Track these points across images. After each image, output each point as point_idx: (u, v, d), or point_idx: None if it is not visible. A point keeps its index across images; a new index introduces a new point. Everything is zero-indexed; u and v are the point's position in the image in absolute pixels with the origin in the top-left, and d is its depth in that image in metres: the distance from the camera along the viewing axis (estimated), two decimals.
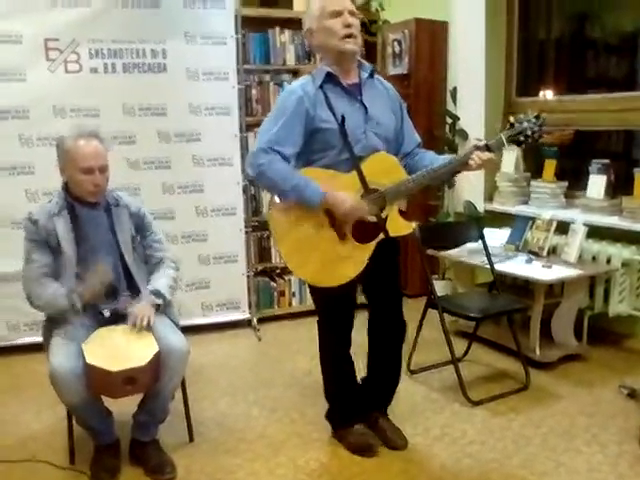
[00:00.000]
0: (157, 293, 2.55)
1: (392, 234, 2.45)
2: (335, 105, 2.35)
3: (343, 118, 2.33)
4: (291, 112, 2.32)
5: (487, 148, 2.39)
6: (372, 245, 2.42)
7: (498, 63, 4.55)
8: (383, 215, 2.42)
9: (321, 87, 2.36)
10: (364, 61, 2.51)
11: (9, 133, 3.60)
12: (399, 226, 2.47)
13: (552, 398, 3.13)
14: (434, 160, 2.50)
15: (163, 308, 2.57)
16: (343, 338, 2.62)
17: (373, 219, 2.41)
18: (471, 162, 2.36)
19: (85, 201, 2.50)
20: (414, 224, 2.53)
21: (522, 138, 2.38)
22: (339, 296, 2.47)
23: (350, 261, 2.40)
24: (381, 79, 2.57)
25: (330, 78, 2.38)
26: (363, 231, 2.40)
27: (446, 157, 2.55)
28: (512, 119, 2.42)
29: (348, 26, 2.32)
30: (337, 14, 2.32)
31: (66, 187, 2.52)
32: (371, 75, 2.48)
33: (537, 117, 2.38)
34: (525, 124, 2.37)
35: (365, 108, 2.41)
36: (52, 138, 3.50)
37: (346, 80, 2.41)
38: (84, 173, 2.42)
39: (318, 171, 2.36)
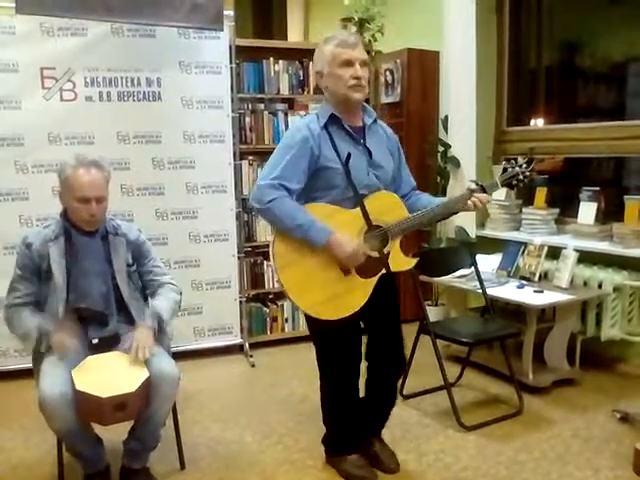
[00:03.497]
0: (156, 315, 2.53)
1: (393, 269, 2.48)
2: (339, 145, 2.40)
3: (347, 158, 2.38)
4: (297, 149, 2.35)
5: (482, 189, 2.51)
6: (374, 280, 2.45)
7: (489, 92, 4.63)
8: (385, 251, 2.45)
9: (325, 127, 2.41)
10: (368, 106, 2.57)
11: (5, 159, 3.63)
12: (400, 262, 2.51)
13: (545, 423, 3.13)
14: (430, 201, 2.59)
15: (158, 331, 2.55)
16: (350, 367, 2.59)
17: (376, 255, 2.44)
18: (470, 203, 2.47)
19: (82, 229, 2.51)
20: (414, 260, 2.56)
21: (514, 182, 2.56)
22: (341, 327, 2.45)
23: (353, 294, 2.41)
24: (382, 124, 2.63)
25: (334, 120, 2.43)
26: (366, 266, 2.42)
27: (442, 199, 2.65)
28: (505, 164, 2.61)
29: (357, 78, 2.37)
30: (348, 64, 2.36)
31: (64, 213, 2.53)
32: (374, 121, 2.54)
33: (528, 163, 2.56)
34: (517, 169, 2.56)
35: (369, 152, 2.47)
36: (47, 165, 3.59)
37: (350, 123, 2.46)
38: (80, 202, 2.43)
39: (323, 206, 2.39)
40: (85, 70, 3.73)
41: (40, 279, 2.50)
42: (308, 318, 2.50)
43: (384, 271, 2.46)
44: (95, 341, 2.53)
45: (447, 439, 2.98)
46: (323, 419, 2.72)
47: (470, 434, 3.01)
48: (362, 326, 2.61)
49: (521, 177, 2.54)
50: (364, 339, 2.65)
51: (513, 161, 2.59)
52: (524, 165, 2.55)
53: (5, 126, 3.61)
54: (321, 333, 2.56)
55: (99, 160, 2.50)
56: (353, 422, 2.67)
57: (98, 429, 2.47)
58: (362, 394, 2.74)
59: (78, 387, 2.24)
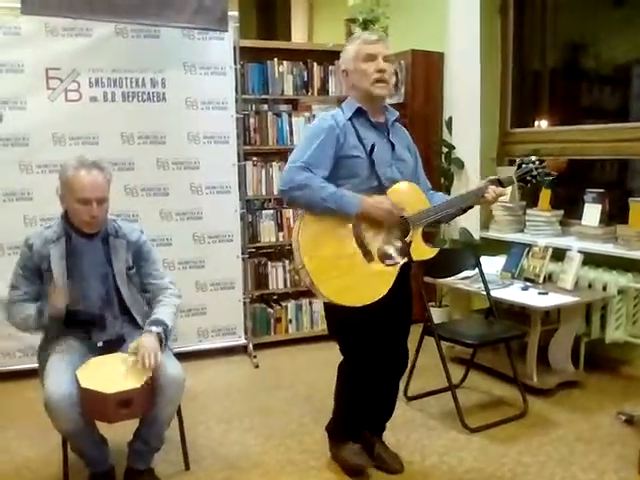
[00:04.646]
0: (160, 322, 2.51)
1: (415, 258, 2.50)
2: (364, 136, 2.45)
3: (372, 148, 2.42)
4: (324, 137, 2.40)
5: (499, 183, 2.55)
6: (396, 269, 2.46)
7: (493, 93, 4.62)
8: (407, 240, 2.48)
9: (350, 119, 2.46)
10: (390, 106, 2.61)
11: (9, 160, 3.63)
12: (422, 251, 2.53)
13: (550, 425, 3.12)
14: (446, 198, 2.65)
15: (165, 340, 2.51)
16: (374, 353, 2.56)
17: (399, 243, 2.46)
18: (487, 195, 2.51)
19: (82, 231, 2.51)
20: (436, 250, 2.59)
21: (529, 178, 2.59)
22: (363, 316, 2.42)
23: (375, 282, 2.42)
24: (401, 126, 2.67)
25: (360, 113, 2.48)
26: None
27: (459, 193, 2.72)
28: (519, 160, 2.64)
29: (380, 71, 2.41)
30: (371, 58, 2.42)
31: (66, 215, 2.53)
32: (396, 119, 2.59)
33: (541, 161, 2.59)
34: (531, 165, 2.59)
35: (392, 145, 2.52)
36: (51, 165, 3.59)
37: (374, 118, 2.51)
38: (81, 204, 2.42)
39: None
40: (90, 71, 3.74)
41: (40, 279, 2.50)
42: (328, 308, 2.52)
43: (406, 260, 2.48)
44: (100, 344, 2.54)
45: (451, 441, 2.98)
46: (336, 406, 2.71)
47: (474, 436, 3.01)
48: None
49: (535, 173, 2.57)
50: None
51: (526, 158, 2.63)
52: (537, 162, 2.58)
53: (10, 126, 3.61)
54: (342, 321, 2.54)
55: (100, 161, 2.50)
56: (361, 410, 2.68)
57: (103, 430, 2.47)
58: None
59: (83, 385, 2.25)
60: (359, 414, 2.69)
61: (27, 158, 3.66)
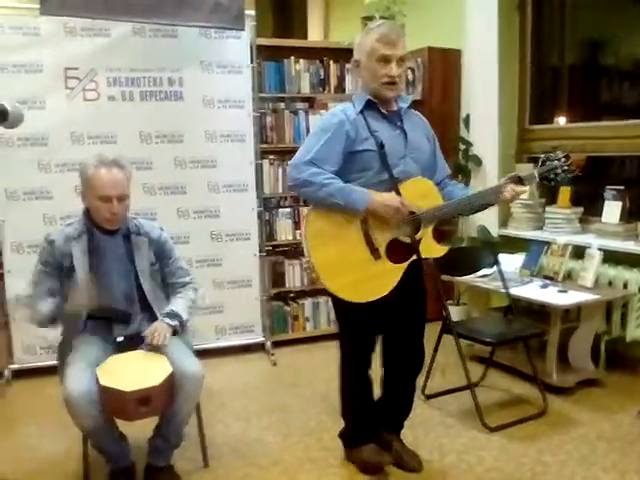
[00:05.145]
0: (174, 314, 2.56)
1: (424, 255, 2.47)
2: (375, 129, 2.42)
3: (383, 142, 2.39)
4: (332, 133, 2.38)
5: (520, 181, 2.46)
6: (404, 266, 2.44)
7: (511, 90, 4.58)
8: (417, 237, 2.45)
9: (361, 112, 2.43)
10: (404, 94, 2.57)
11: (28, 159, 3.66)
12: (432, 249, 2.50)
13: (570, 424, 3.09)
14: (465, 192, 2.58)
15: (180, 330, 2.58)
16: (363, 358, 2.60)
17: (407, 240, 2.44)
18: (506, 193, 2.42)
19: (104, 228, 2.53)
20: (445, 248, 2.55)
21: (552, 176, 2.47)
22: (363, 315, 2.46)
23: (381, 279, 2.41)
24: (416, 111, 2.63)
25: (370, 105, 2.44)
26: (396, 251, 2.43)
27: (477, 190, 2.63)
28: (544, 157, 2.51)
29: (391, 76, 2.37)
30: (385, 60, 2.36)
31: (87, 213, 2.55)
32: (409, 106, 2.55)
33: (566, 157, 2.47)
34: (555, 162, 2.46)
35: (405, 134, 2.48)
36: (70, 164, 3.62)
37: (385, 108, 2.47)
38: (102, 201, 2.45)
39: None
40: (108, 70, 3.76)
41: (62, 277, 2.52)
42: (335, 300, 2.50)
43: (415, 257, 2.45)
44: (120, 339, 2.55)
45: (470, 439, 2.96)
46: (341, 410, 2.72)
47: (493, 435, 2.99)
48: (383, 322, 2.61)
49: (559, 171, 2.46)
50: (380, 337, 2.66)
51: (551, 154, 2.50)
52: (562, 159, 2.46)
53: (29, 126, 3.59)
54: (343, 315, 2.57)
55: (120, 159, 2.52)
56: (366, 411, 2.67)
57: (123, 426, 2.48)
58: (381, 393, 2.75)
59: (102, 382, 2.27)
60: (365, 417, 2.68)
61: (46, 157, 3.69)
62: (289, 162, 2.44)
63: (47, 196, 3.72)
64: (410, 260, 2.45)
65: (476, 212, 2.62)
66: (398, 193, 2.41)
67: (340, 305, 2.46)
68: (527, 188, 2.50)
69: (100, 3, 3.53)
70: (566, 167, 2.46)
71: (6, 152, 3.63)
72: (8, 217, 3.68)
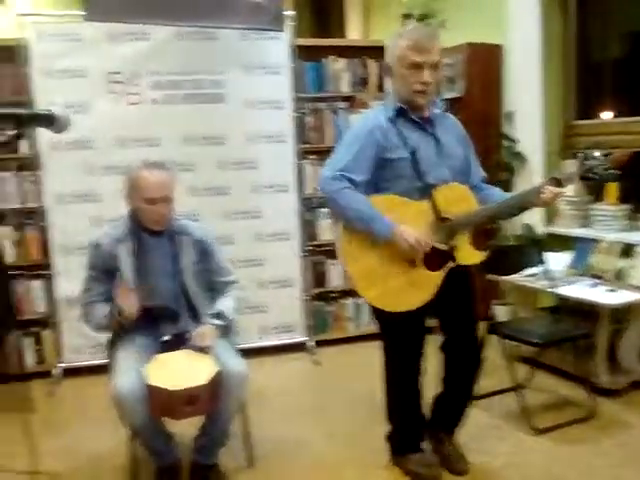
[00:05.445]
0: (221, 315, 2.59)
1: (461, 262, 2.44)
2: (407, 136, 2.38)
3: (415, 149, 2.36)
4: (363, 141, 2.35)
5: (558, 182, 2.35)
6: (441, 273, 2.41)
7: (555, 85, 4.49)
8: (453, 243, 2.41)
9: (392, 119, 2.39)
10: (436, 99, 2.52)
11: (75, 162, 3.74)
12: (468, 255, 2.46)
13: (621, 427, 3.01)
14: (502, 196, 2.52)
15: (227, 330, 2.60)
16: (412, 365, 2.57)
17: (443, 247, 2.40)
18: (544, 196, 2.31)
19: (149, 229, 2.57)
20: (483, 254, 2.50)
21: (591, 175, 2.35)
22: (407, 321, 2.44)
23: (419, 288, 2.38)
24: (450, 115, 2.58)
25: (401, 112, 2.40)
26: (433, 258, 2.39)
27: (514, 193, 2.55)
28: (582, 155, 2.40)
29: (424, 83, 2.33)
30: (417, 67, 2.31)
31: (132, 214, 2.60)
32: (441, 111, 2.51)
33: (606, 155, 2.36)
34: (594, 161, 2.35)
35: (437, 140, 2.44)
36: (115, 167, 3.67)
37: (417, 113, 2.42)
38: (148, 203, 2.49)
39: (391, 198, 2.37)
40: (150, 74, 3.81)
41: (111, 278, 2.56)
42: (374, 310, 2.48)
43: (452, 264, 2.42)
44: (166, 338, 2.59)
45: (518, 442, 2.91)
46: (387, 416, 2.70)
47: (541, 437, 2.94)
48: (437, 323, 2.59)
49: (600, 170, 2.35)
50: (439, 337, 2.63)
51: (591, 153, 2.39)
52: (602, 158, 2.36)
53: (75, 130, 3.67)
54: (386, 325, 2.55)
55: (164, 163, 2.58)
56: (414, 419, 2.64)
57: (170, 425, 2.52)
58: (441, 390, 2.71)
59: (150, 382, 2.30)
60: (413, 425, 2.65)
61: (92, 160, 3.76)
62: (320, 171, 2.43)
63: (93, 199, 3.79)
64: (447, 268, 2.41)
65: (513, 216, 2.56)
66: (432, 200, 2.37)
67: (380, 313, 2.45)
68: (565, 189, 2.37)
69: (141, 8, 3.58)
70: (606, 165, 2.34)
71: (54, 156, 3.71)
72: (56, 220, 3.76)
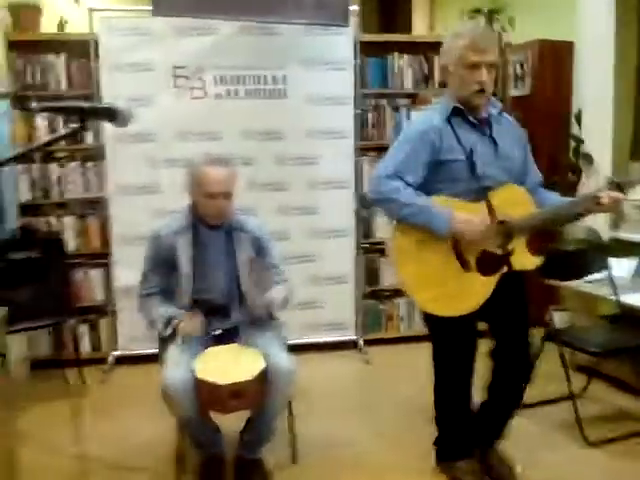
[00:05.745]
0: (271, 302, 2.58)
1: (516, 268, 2.37)
2: (463, 137, 2.33)
3: (472, 150, 2.31)
4: (416, 142, 2.32)
5: (618, 187, 2.24)
6: (495, 278, 2.35)
7: (627, 84, 4.32)
8: (509, 248, 2.35)
9: (448, 119, 2.35)
10: (492, 97, 2.46)
11: (137, 155, 3.84)
12: (525, 260, 2.39)
13: None
14: (558, 200, 2.46)
15: (272, 314, 2.63)
16: (462, 369, 2.53)
17: (499, 251, 2.35)
18: (602, 201, 2.20)
19: (208, 223, 2.61)
20: (539, 260, 2.42)
21: None
22: (457, 325, 2.40)
23: (471, 293, 2.34)
24: (507, 115, 2.52)
25: (457, 112, 2.36)
26: (487, 263, 2.34)
27: (571, 198, 2.48)
28: None
29: (482, 82, 2.28)
30: (474, 66, 2.26)
31: (192, 207, 2.64)
32: (499, 112, 2.45)
33: None
34: None
35: (495, 143, 2.38)
36: (176, 160, 3.74)
37: (474, 114, 2.37)
38: (209, 198, 2.53)
39: (445, 199, 2.32)
40: (214, 68, 3.87)
41: (169, 270, 2.61)
42: (425, 314, 2.46)
43: (506, 269, 2.36)
44: (217, 332, 2.63)
45: (570, 454, 2.82)
46: (435, 420, 2.66)
47: (595, 450, 2.83)
48: (487, 327, 2.53)
49: None
50: (489, 342, 2.56)
51: None
52: None
53: (139, 123, 3.74)
54: (436, 329, 2.51)
55: (227, 158, 2.60)
56: (463, 425, 2.59)
57: (217, 418, 2.55)
58: (485, 398, 2.64)
59: (198, 375, 2.34)
60: (462, 431, 2.59)
61: (154, 153, 3.85)
62: (372, 174, 2.40)
63: (154, 190, 3.88)
64: (501, 272, 2.35)
65: (571, 222, 2.47)
66: (489, 202, 2.31)
67: (430, 317, 2.41)
68: (623, 196, 2.22)
69: (207, 3, 3.64)
70: None
71: (117, 148, 3.82)
72: (117, 210, 3.88)
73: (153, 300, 2.62)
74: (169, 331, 2.53)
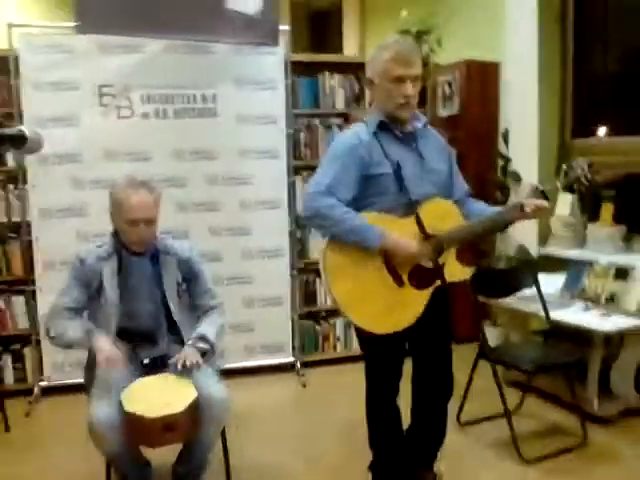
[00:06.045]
0: (204, 338, 2.51)
1: (449, 280, 2.39)
2: (389, 151, 2.33)
3: (398, 164, 2.31)
4: (346, 158, 2.30)
5: (542, 194, 2.33)
6: (428, 292, 2.36)
7: (552, 103, 4.46)
8: (440, 261, 2.36)
9: (375, 134, 2.35)
10: (418, 112, 2.48)
11: (62, 176, 3.68)
12: (456, 272, 2.42)
13: (613, 457, 2.95)
14: (485, 210, 2.49)
15: (210, 356, 2.53)
16: (391, 386, 2.51)
17: (430, 265, 2.35)
18: (527, 208, 2.29)
19: (132, 249, 2.52)
20: (470, 270, 2.46)
21: (576, 186, 2.36)
22: (389, 343, 2.38)
23: (406, 308, 2.33)
24: (431, 128, 2.54)
25: (384, 126, 2.36)
26: (420, 277, 2.34)
27: (498, 207, 2.53)
28: (565, 167, 2.40)
29: (407, 96, 2.29)
30: (399, 80, 2.28)
31: (116, 233, 2.54)
32: (424, 125, 2.46)
33: (590, 165, 2.35)
34: (579, 171, 2.35)
35: (421, 156, 2.39)
36: (103, 181, 3.61)
37: (400, 128, 2.38)
38: (129, 224, 2.43)
39: (375, 215, 2.31)
40: (142, 87, 3.76)
41: (92, 294, 2.50)
42: (358, 331, 2.43)
43: (439, 282, 2.37)
44: (146, 361, 2.53)
45: (504, 472, 2.84)
46: (369, 442, 2.62)
47: (530, 467, 2.86)
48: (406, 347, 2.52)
49: (583, 180, 2.33)
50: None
51: (573, 163, 2.39)
52: (585, 168, 2.34)
53: (64, 143, 3.64)
54: (368, 347, 2.49)
55: (149, 181, 2.50)
56: (396, 448, 2.56)
57: (147, 452, 2.44)
58: (410, 423, 2.64)
59: (127, 408, 2.23)
60: (395, 448, 2.56)
61: (79, 174, 3.70)
62: (305, 192, 2.37)
63: (80, 213, 3.73)
64: (434, 286, 2.37)
65: (500, 231, 2.52)
66: (418, 216, 2.33)
67: (363, 334, 2.38)
68: (547, 203, 2.32)
69: (134, 20, 3.55)
70: (590, 176, 2.33)
71: (40, 170, 3.65)
72: (41, 234, 3.70)
73: (68, 314, 2.46)
74: (88, 344, 2.40)
